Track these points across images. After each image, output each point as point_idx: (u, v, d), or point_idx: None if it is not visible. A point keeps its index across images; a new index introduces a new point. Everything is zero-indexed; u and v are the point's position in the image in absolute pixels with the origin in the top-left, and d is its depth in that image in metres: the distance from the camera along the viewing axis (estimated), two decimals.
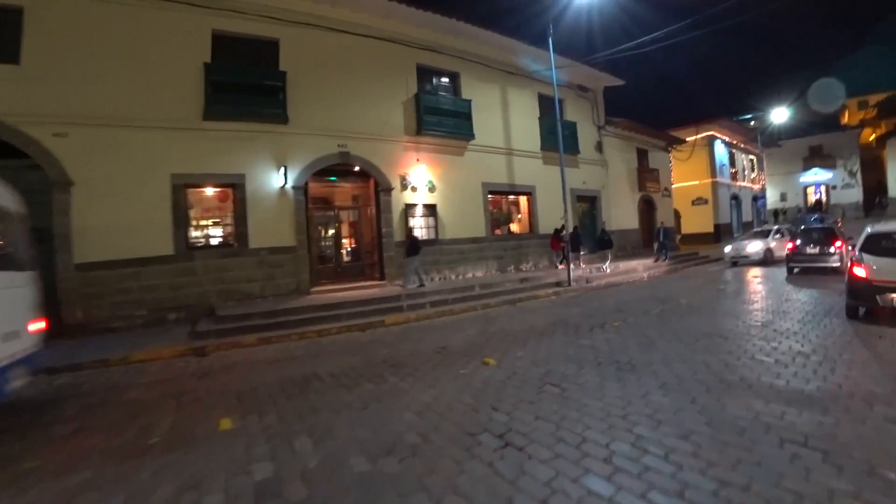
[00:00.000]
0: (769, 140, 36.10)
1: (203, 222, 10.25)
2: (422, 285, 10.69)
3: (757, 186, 36.17)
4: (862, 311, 6.36)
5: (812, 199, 40.51)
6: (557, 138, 14.46)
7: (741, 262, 15.49)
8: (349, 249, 12.51)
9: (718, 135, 29.54)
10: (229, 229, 10.36)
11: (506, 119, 14.66)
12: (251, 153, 10.38)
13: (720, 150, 29.93)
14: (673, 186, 24.48)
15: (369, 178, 11.95)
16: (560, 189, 15.46)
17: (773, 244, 15.43)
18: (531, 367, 5.16)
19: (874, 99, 46.42)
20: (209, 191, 10.26)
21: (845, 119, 47.44)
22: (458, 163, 13.19)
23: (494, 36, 13.58)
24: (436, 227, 12.37)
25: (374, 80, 11.91)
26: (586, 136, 17.40)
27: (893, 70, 47.05)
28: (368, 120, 11.65)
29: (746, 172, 34.92)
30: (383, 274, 11.70)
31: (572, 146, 16.25)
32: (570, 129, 16.36)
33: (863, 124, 42.20)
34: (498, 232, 14.27)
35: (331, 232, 12.23)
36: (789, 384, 4.00)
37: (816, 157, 39.68)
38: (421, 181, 12.23)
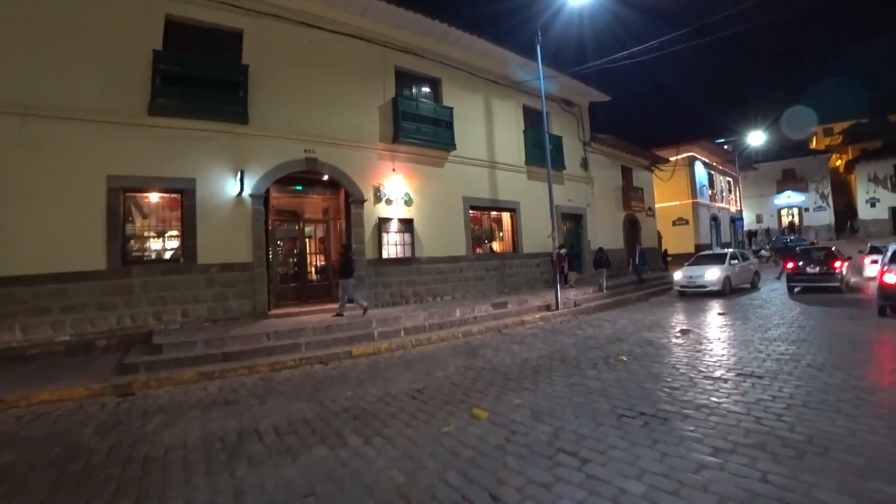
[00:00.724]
0: (745, 163, 36.65)
1: (144, 233, 8.91)
2: (364, 311, 9.42)
3: (734, 208, 36.54)
4: (888, 310, 8.37)
5: (785, 220, 41.26)
6: (544, 152, 13.71)
7: (690, 291, 12.88)
8: (317, 267, 11.28)
9: (698, 156, 29.64)
10: (175, 242, 9.05)
11: (489, 130, 13.83)
12: (204, 155, 9.15)
13: (700, 171, 30.01)
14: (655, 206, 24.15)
15: (340, 189, 10.84)
16: (546, 206, 14.64)
17: (736, 269, 13.27)
18: (533, 422, 4.08)
19: (839, 127, 48.39)
20: (153, 197, 8.95)
21: (813, 144, 49.11)
22: (438, 175, 12.22)
23: (479, 41, 12.79)
24: (412, 245, 11.29)
25: (347, 82, 10.90)
26: (571, 152, 16.75)
27: (856, 100, 49.16)
28: (340, 124, 10.60)
29: (724, 194, 35.23)
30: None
31: (558, 162, 15.52)
32: (557, 143, 15.65)
33: (829, 150, 43.66)
34: (480, 251, 13.29)
35: (296, 248, 11.01)
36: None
37: (789, 180, 40.51)
38: (397, 193, 11.18)
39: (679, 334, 7.91)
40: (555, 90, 15.77)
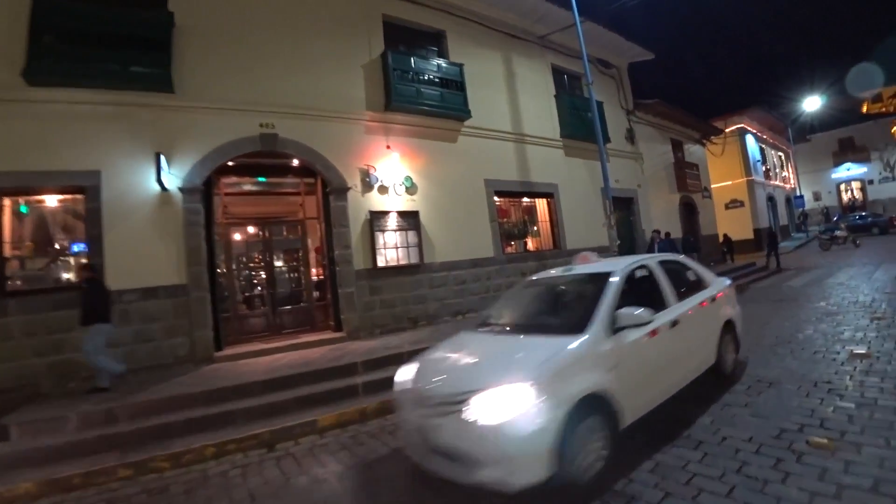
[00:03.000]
0: (797, 134, 32.43)
1: (27, 253, 6.19)
2: (104, 389, 5.29)
3: (788, 185, 32.31)
4: None
5: (845, 196, 36.53)
6: (584, 121, 10.75)
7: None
8: (292, 286, 8.36)
9: (749, 128, 25.83)
10: (72, 262, 6.32)
11: (512, 96, 10.74)
12: (111, 139, 6.40)
13: (752, 145, 26.17)
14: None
15: (318, 178, 7.93)
16: (590, 189, 11.58)
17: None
18: None
19: (888, 91, 43.20)
20: (38, 199, 6.27)
21: (864, 109, 44.00)
22: (450, 152, 9.19)
23: None
24: (419, 246, 8.24)
25: (319, 35, 8.02)
26: (614, 122, 13.45)
27: None
28: (310, 89, 7.71)
29: (777, 170, 31.09)
30: (339, 322, 7.54)
31: (600, 134, 12.29)
32: (592, 111, 12.42)
33: (882, 116, 38.67)
34: (511, 250, 10.16)
35: (262, 261, 8.12)
36: None
37: (848, 151, 35.86)
38: (394, 178, 8.19)
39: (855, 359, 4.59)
40: (589, 48, 12.58)
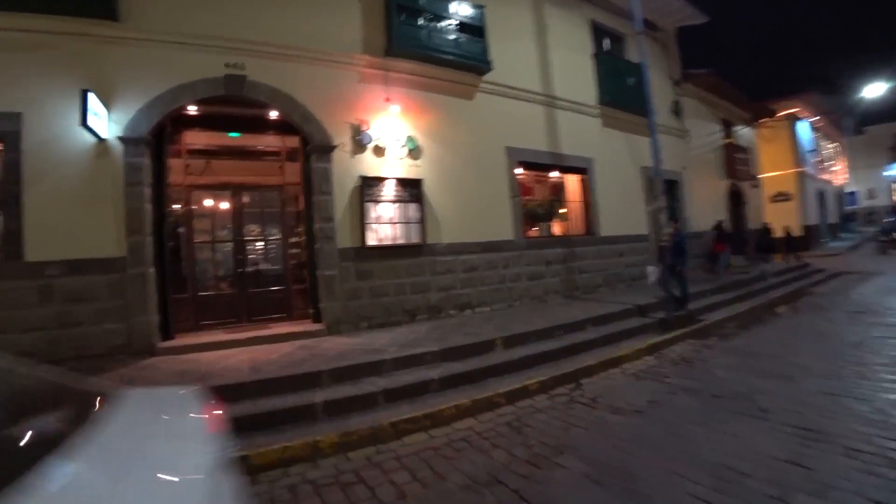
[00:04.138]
0: (852, 126, 29.51)
1: None
2: None
3: (839, 181, 29.53)
4: None
5: None
6: (625, 87, 9.12)
7: None
8: (266, 265, 6.93)
9: (803, 114, 23.29)
10: None
11: (542, 50, 9.01)
12: (39, 74, 5.07)
13: (804, 133, 23.64)
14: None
15: (302, 136, 6.43)
16: (629, 165, 9.86)
17: None
18: None
19: None
20: None
21: None
22: (465, 111, 7.58)
23: None
24: (422, 223, 6.69)
25: None
26: (659, 94, 11.55)
27: None
28: (291, 25, 6.19)
29: (829, 164, 28.35)
30: (318, 310, 6.09)
31: (642, 103, 10.46)
32: (640, 77, 10.60)
33: None
34: (533, 233, 8.54)
35: (230, 232, 6.70)
36: None
37: None
38: (393, 137, 6.64)
39: None
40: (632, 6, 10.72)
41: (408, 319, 6.48)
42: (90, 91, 4.84)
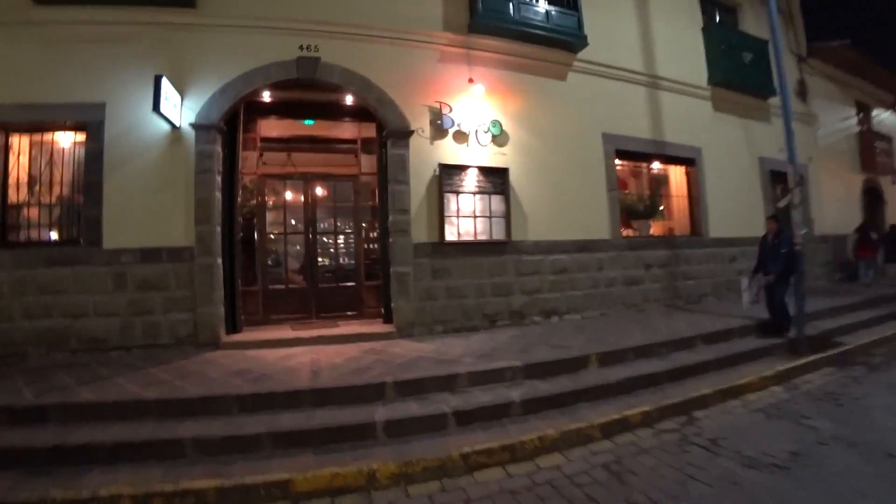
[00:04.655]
0: None
1: (20, 197, 5.07)
2: None
3: None
4: None
5: None
6: (749, 65, 7.84)
7: None
8: (340, 260, 6.58)
9: None
10: (68, 212, 5.10)
11: (643, 24, 7.89)
12: (119, 65, 5.09)
13: None
14: None
15: (376, 122, 5.99)
16: (745, 156, 8.48)
17: None
18: None
19: None
20: (39, 138, 5.12)
21: None
22: (556, 93, 6.71)
23: None
24: (507, 217, 5.95)
25: None
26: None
27: None
28: (365, 5, 5.77)
29: None
30: (389, 310, 5.60)
31: (761, 83, 8.93)
32: (759, 51, 9.06)
33: None
34: (630, 232, 7.46)
35: (302, 225, 6.42)
36: None
37: None
38: (477, 121, 5.96)
39: None
40: None
41: (487, 325, 5.78)
42: (163, 77, 4.69)
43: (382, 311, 5.80)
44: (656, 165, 7.85)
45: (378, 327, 5.56)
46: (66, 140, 5.15)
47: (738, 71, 8.52)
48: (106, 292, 4.81)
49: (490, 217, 5.83)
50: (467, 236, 5.70)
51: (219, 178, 5.19)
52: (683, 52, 8.26)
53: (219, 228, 5.11)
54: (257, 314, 5.89)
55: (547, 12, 6.53)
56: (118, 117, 5.02)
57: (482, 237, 5.77)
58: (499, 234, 5.84)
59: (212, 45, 5.30)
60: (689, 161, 7.94)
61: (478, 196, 5.80)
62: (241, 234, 5.70)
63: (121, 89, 5.05)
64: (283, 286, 6.16)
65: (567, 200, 6.45)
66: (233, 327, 5.30)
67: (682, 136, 7.81)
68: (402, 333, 5.37)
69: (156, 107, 4.57)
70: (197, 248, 4.94)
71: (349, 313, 6.13)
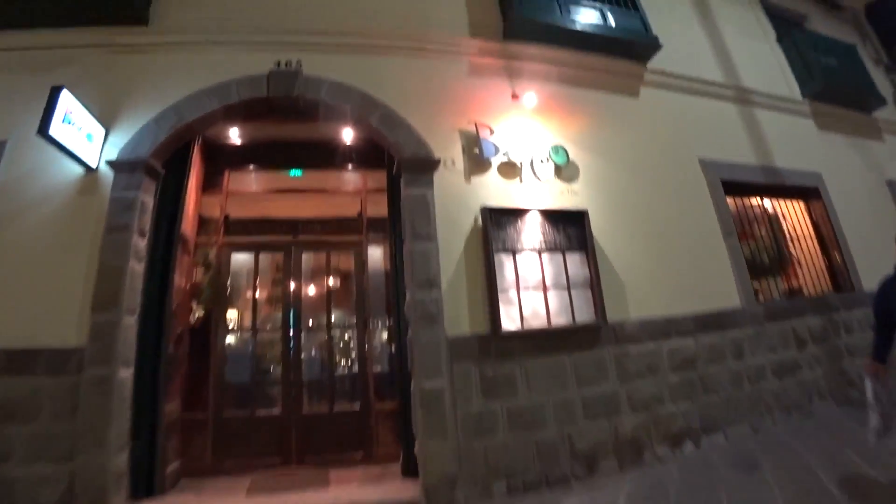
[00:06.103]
0: None
1: None
2: None
3: None
4: None
5: None
6: (849, 73, 6.24)
7: None
8: (333, 369, 4.40)
9: None
10: None
11: (711, 32, 6.29)
12: (32, 97, 3.45)
13: None
14: None
15: (384, 152, 4.15)
16: (871, 181, 6.44)
17: None
18: None
19: None
20: None
21: None
22: (628, 111, 4.86)
23: None
24: (594, 286, 3.79)
25: None
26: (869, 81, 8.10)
27: None
28: (363, 8, 4.22)
29: None
30: (411, 456, 3.31)
31: (865, 92, 7.11)
32: (849, 57, 7.36)
33: None
34: (766, 296, 5.15)
35: (269, 313, 4.35)
36: None
37: None
38: (532, 148, 4.05)
39: None
40: None
41: (583, 471, 3.40)
42: (63, 89, 2.97)
43: (402, 454, 3.50)
44: (768, 200, 5.76)
45: (396, 487, 3.24)
46: None
47: (834, 80, 6.72)
48: None
49: (568, 288, 3.68)
50: (535, 321, 3.52)
51: (142, 242, 3.26)
52: (762, 63, 6.56)
53: (134, 319, 3.08)
54: (202, 459, 3.66)
55: (602, 11, 4.92)
56: (18, 158, 3.28)
57: (559, 321, 3.58)
58: (585, 315, 3.64)
59: (164, 68, 3.68)
60: (809, 192, 5.84)
61: (547, 255, 3.71)
62: (182, 329, 3.65)
63: (30, 125, 3.32)
64: (246, 412, 3.94)
65: (672, 254, 4.30)
66: (146, 488, 3.05)
67: (793, 160, 5.82)
68: (433, 499, 3.03)
69: (43, 129, 2.79)
70: (89, 349, 2.87)
71: (351, 454, 3.85)
